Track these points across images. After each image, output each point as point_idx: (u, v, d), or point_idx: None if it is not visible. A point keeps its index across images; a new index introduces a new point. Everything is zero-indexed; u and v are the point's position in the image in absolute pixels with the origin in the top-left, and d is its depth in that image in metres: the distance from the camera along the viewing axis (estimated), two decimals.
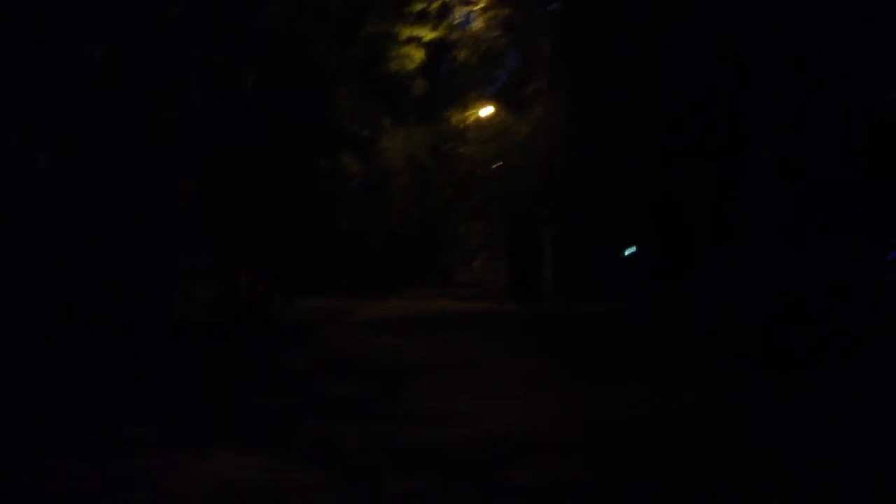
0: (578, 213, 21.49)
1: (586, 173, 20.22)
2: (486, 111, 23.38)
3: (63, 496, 4.61)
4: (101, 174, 12.16)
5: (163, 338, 11.25)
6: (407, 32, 18.27)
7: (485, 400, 7.56)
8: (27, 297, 10.83)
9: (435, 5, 18.75)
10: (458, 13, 20.58)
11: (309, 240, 20.80)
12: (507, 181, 24.76)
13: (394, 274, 30.68)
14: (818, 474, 5.08)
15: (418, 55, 17.87)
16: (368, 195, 25.85)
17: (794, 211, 11.30)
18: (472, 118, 23.71)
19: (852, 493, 4.74)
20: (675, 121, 16.40)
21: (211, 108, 13.74)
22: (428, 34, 18.67)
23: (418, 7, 18.31)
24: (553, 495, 4.68)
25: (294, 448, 5.67)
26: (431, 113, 25.80)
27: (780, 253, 10.25)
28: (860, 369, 8.57)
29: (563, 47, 20.47)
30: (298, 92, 14.96)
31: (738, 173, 13.47)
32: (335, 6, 15.20)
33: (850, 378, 8.27)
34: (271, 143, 14.48)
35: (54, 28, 10.94)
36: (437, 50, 21.83)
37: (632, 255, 21.08)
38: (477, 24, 21.42)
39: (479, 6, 20.54)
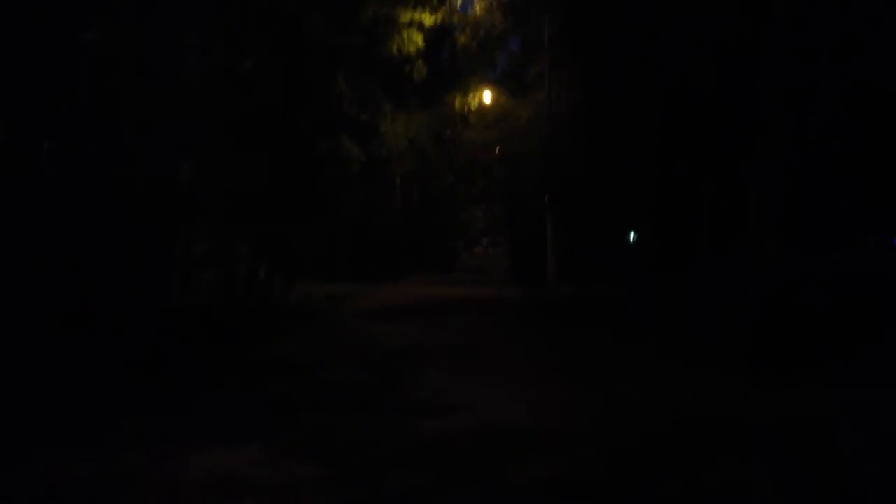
0: (581, 199, 21.35)
1: (588, 158, 20.06)
2: (487, 96, 23.20)
3: (55, 492, 4.53)
4: (96, 159, 12.06)
5: (159, 326, 11.17)
6: (407, 16, 18.04)
7: (486, 389, 7.46)
8: (23, 288, 10.75)
9: None
10: None
11: (309, 224, 20.74)
12: (508, 166, 24.62)
13: (395, 260, 30.59)
14: (823, 468, 4.99)
15: (418, 38, 17.64)
16: (370, 180, 25.72)
17: (798, 197, 11.16)
18: (474, 103, 23.52)
19: (856, 487, 4.65)
20: (677, 105, 16.23)
21: (210, 91, 13.62)
22: (428, 18, 18.43)
23: None
24: (555, 489, 4.58)
25: (291, 440, 5.57)
26: (432, 98, 25.58)
27: (783, 239, 10.12)
28: (867, 359, 8.44)
29: (564, 31, 20.23)
30: (297, 74, 14.82)
31: (742, 158, 13.31)
32: None
33: (856, 369, 8.15)
34: (270, 125, 14.35)
35: (46, 12, 10.80)
36: (437, 34, 21.61)
37: (633, 240, 20.95)
38: (477, 7, 21.22)
39: None
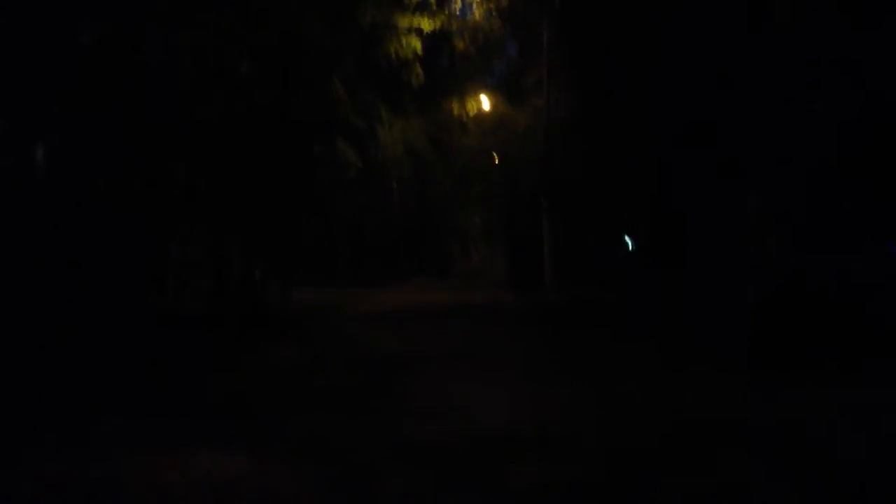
0: (578, 204, 21.31)
1: (586, 163, 20.02)
2: (485, 102, 23.20)
3: (37, 497, 4.46)
4: (89, 159, 11.98)
5: (152, 329, 11.10)
6: (406, 22, 18.04)
7: (484, 392, 7.38)
8: (14, 288, 10.66)
9: None
10: (458, 2, 20.37)
11: (305, 228, 20.66)
12: (506, 172, 24.60)
13: (392, 265, 30.54)
14: (824, 469, 4.94)
15: (416, 44, 17.62)
16: (367, 185, 25.68)
17: (798, 197, 11.12)
18: (472, 109, 23.53)
19: (856, 487, 4.61)
20: (675, 110, 16.20)
21: (204, 93, 13.56)
22: (427, 24, 18.42)
23: None
24: (555, 492, 4.52)
25: (284, 446, 5.48)
26: (430, 103, 25.58)
27: (784, 240, 10.07)
28: (868, 360, 8.39)
29: (562, 37, 20.24)
30: (294, 77, 14.78)
31: (740, 161, 13.28)
32: None
33: (856, 369, 8.09)
34: (265, 129, 14.30)
35: (41, 11, 10.75)
36: (436, 40, 21.60)
37: (631, 244, 20.91)
38: (476, 13, 21.23)
39: None
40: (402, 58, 17.64)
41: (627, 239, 20.73)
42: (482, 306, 18.26)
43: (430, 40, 19.48)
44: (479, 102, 23.28)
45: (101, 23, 11.40)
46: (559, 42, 20.12)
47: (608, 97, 18.12)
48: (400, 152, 25.48)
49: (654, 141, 17.14)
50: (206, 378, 8.30)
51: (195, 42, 12.94)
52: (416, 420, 6.20)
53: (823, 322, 9.29)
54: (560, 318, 14.78)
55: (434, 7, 18.09)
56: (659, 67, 16.12)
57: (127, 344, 9.54)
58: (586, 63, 18.90)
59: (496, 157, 24.58)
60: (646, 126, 17.10)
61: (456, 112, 23.72)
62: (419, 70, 18.40)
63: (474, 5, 21.11)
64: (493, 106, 23.20)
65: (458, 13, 20.92)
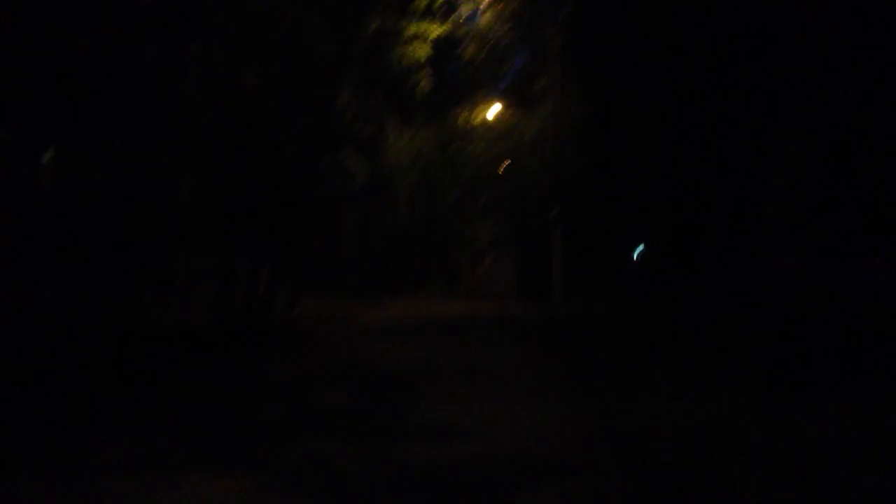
0: (588, 214, 20.98)
1: (596, 173, 19.70)
2: (494, 110, 22.88)
3: None
4: (96, 172, 11.77)
5: (153, 343, 10.80)
6: (413, 29, 17.78)
7: (493, 413, 7.01)
8: (13, 302, 10.40)
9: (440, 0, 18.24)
10: (466, 8, 20.04)
11: (311, 240, 20.38)
12: (515, 181, 24.27)
13: (399, 275, 30.26)
14: (852, 494, 4.57)
15: (424, 51, 17.35)
16: (374, 195, 25.43)
17: (814, 210, 10.71)
18: (480, 117, 23.22)
19: None
20: (688, 118, 15.87)
21: (209, 103, 13.32)
22: (434, 31, 18.15)
23: (424, 2, 17.82)
24: None
25: (281, 470, 5.14)
26: (438, 111, 25.31)
27: (803, 254, 9.67)
28: (891, 379, 7.99)
29: (572, 43, 19.94)
30: (299, 87, 14.50)
31: (758, 170, 12.89)
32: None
33: (880, 389, 7.70)
34: (270, 138, 14.03)
35: (49, 23, 10.54)
36: (443, 47, 21.34)
37: (640, 255, 20.54)
38: (484, 19, 20.92)
39: (486, 0, 20.02)
40: (409, 65, 17.37)
41: (637, 251, 20.38)
42: (490, 319, 17.90)
43: (438, 47, 19.21)
44: (486, 110, 22.97)
45: (106, 34, 11.18)
46: (568, 48, 19.81)
47: (619, 105, 17.83)
48: (408, 161, 25.23)
49: (665, 149, 16.81)
50: (204, 395, 7.96)
51: (200, 52, 12.72)
52: (423, 442, 5.86)
53: (844, 340, 8.91)
54: (571, 332, 14.38)
55: (441, 13, 17.80)
56: (671, 73, 15.80)
57: (122, 359, 9.22)
58: (596, 69, 18.61)
59: (504, 165, 24.26)
60: (656, 134, 16.78)
61: (463, 120, 23.41)
62: (426, 77, 18.10)
63: (482, 11, 20.78)
64: (502, 113, 22.87)
65: (465, 19, 20.58)
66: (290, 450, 5.68)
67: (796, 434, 6.07)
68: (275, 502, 4.48)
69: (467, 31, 20.80)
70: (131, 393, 7.66)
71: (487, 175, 25.86)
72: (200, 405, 7.46)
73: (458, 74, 25.11)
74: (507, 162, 23.92)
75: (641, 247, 20.47)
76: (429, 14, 17.83)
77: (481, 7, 20.25)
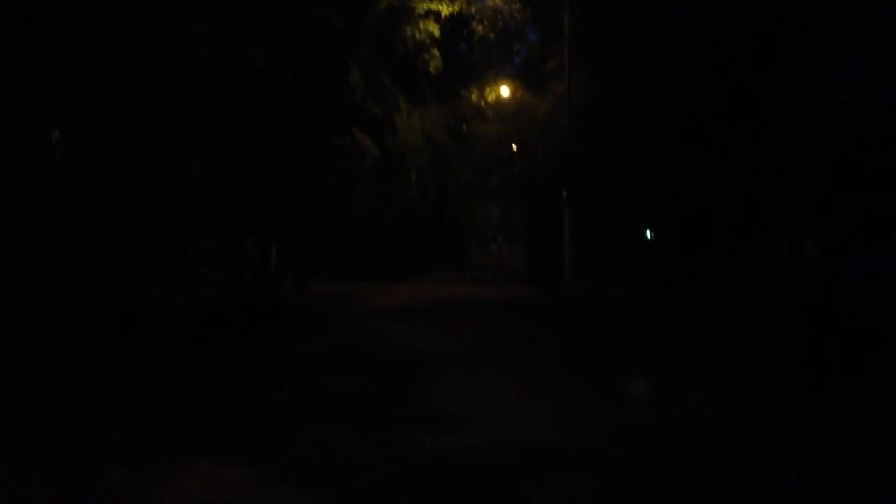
0: (600, 194, 20.72)
1: (608, 152, 19.41)
2: (505, 90, 22.60)
3: None
4: (105, 151, 11.68)
5: (160, 325, 10.72)
6: (423, 6, 17.51)
7: (504, 401, 6.85)
8: (23, 285, 10.35)
9: None
10: None
11: (321, 220, 20.25)
12: (526, 161, 24.04)
13: (409, 257, 30.14)
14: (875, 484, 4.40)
15: (434, 28, 17.10)
16: (384, 176, 25.26)
17: (835, 197, 10.50)
18: (491, 96, 22.96)
19: None
20: (702, 98, 15.56)
21: (218, 82, 13.16)
22: (445, 8, 17.88)
23: None
24: None
25: (288, 458, 5.01)
26: (449, 91, 25.04)
27: (819, 241, 9.47)
28: None
29: (584, 22, 19.59)
30: (307, 66, 14.31)
31: (773, 154, 12.64)
32: None
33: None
34: (280, 118, 13.86)
35: (56, 1, 10.40)
36: (454, 25, 21.04)
37: (652, 237, 20.31)
38: None
39: None
40: (419, 43, 17.13)
41: (648, 233, 20.15)
42: (502, 301, 17.76)
43: (449, 26, 18.93)
44: (498, 90, 22.68)
45: (114, 12, 11.03)
46: (581, 27, 19.46)
47: (631, 84, 17.50)
48: (418, 141, 25.02)
49: (678, 129, 16.52)
50: (209, 380, 7.85)
51: (208, 30, 12.54)
52: (430, 431, 5.70)
53: (862, 327, 8.72)
54: (583, 316, 14.23)
55: None
56: (686, 52, 15.48)
57: (128, 340, 9.14)
58: (609, 48, 18.27)
59: (515, 146, 24.02)
60: (670, 114, 16.48)
61: (475, 100, 23.15)
62: (437, 55, 17.85)
63: None
64: (513, 93, 22.60)
65: None
66: (298, 437, 5.55)
67: (813, 424, 5.91)
68: (282, 493, 4.36)
69: (478, 9, 20.48)
70: (135, 377, 7.56)
71: (499, 155, 25.65)
72: (206, 390, 7.35)
73: (469, 54, 24.80)
74: (519, 141, 23.68)
75: (649, 233, 20.25)
76: None
77: None
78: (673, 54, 15.80)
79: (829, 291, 10.12)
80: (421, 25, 17.17)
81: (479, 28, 21.17)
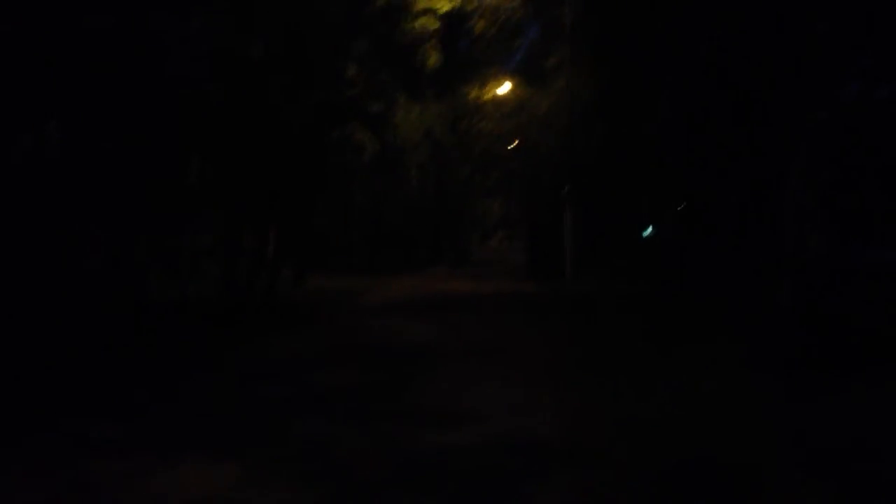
0: (600, 191, 20.69)
1: (608, 149, 19.37)
2: (505, 86, 22.52)
3: None
4: (103, 145, 11.65)
5: (156, 319, 10.70)
6: (422, 3, 17.47)
7: (504, 397, 6.78)
8: (20, 280, 10.33)
9: None
10: None
11: (320, 214, 20.23)
12: (526, 157, 24.00)
13: (409, 252, 30.14)
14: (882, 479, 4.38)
15: (433, 24, 17.06)
16: (384, 171, 25.22)
17: (840, 189, 10.44)
18: (491, 93, 22.87)
19: None
20: (704, 92, 15.50)
21: (217, 75, 13.14)
22: (444, 5, 17.84)
23: None
24: None
25: (280, 455, 4.94)
26: (448, 87, 24.95)
27: (827, 233, 9.43)
28: None
29: (585, 17, 19.54)
30: (306, 61, 14.28)
31: (780, 146, 12.57)
32: None
33: None
34: (279, 112, 13.83)
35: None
36: (454, 21, 20.96)
37: (651, 234, 20.27)
38: None
39: None
40: (418, 37, 17.09)
41: (649, 228, 20.11)
42: (502, 296, 17.74)
43: (449, 21, 18.88)
44: (498, 86, 22.60)
45: (112, 5, 10.99)
46: (581, 22, 19.42)
47: (633, 80, 17.46)
48: (417, 137, 24.95)
49: (681, 124, 16.47)
50: (203, 373, 7.83)
51: (205, 23, 12.50)
52: (430, 428, 5.63)
53: (868, 320, 8.68)
54: (583, 310, 14.18)
55: None
56: (686, 48, 15.43)
57: (122, 336, 9.12)
58: (610, 43, 18.22)
59: (516, 141, 23.97)
60: (673, 108, 16.44)
61: (475, 95, 23.07)
62: (436, 51, 17.80)
63: None
64: (513, 89, 22.52)
65: None
66: (292, 433, 5.49)
67: (819, 418, 5.86)
68: (273, 492, 4.32)
69: (478, 4, 20.39)
70: (127, 370, 7.54)
71: (499, 151, 25.59)
72: (199, 384, 7.32)
73: (469, 49, 24.71)
74: (519, 137, 23.62)
75: (650, 228, 20.20)
76: None
77: None
78: (675, 49, 15.76)
79: (834, 283, 10.07)
80: (420, 21, 17.14)
81: (480, 23, 21.10)
